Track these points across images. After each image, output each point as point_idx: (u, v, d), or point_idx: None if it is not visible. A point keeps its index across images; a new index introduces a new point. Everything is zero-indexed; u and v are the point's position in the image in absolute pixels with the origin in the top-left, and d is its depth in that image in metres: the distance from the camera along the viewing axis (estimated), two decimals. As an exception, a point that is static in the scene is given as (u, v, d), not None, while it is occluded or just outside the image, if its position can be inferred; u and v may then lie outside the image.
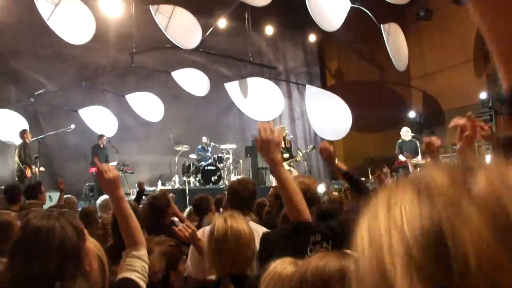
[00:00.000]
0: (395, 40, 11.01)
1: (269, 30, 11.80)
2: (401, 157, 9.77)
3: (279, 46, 12.62)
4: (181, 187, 9.90)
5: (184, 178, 9.84)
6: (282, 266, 1.25)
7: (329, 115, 10.72)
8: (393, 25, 10.73)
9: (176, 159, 10.20)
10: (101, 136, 9.91)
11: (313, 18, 9.75)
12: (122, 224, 1.76)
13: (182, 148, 10.20)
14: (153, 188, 9.45)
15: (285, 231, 2.08)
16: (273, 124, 1.87)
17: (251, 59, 11.23)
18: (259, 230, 2.50)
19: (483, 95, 11.19)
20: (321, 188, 11.07)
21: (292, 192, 1.83)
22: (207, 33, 10.29)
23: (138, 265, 1.71)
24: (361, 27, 11.14)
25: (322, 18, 9.93)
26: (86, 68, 10.45)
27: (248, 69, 11.68)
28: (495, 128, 10.79)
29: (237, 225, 1.80)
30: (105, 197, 4.78)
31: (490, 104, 11.20)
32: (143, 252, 1.79)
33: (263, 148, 1.81)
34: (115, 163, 9.73)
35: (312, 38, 12.43)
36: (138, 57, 10.47)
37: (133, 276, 1.68)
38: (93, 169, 9.18)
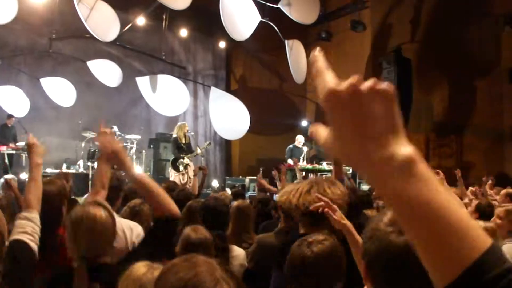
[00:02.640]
0: (296, 55, 16.92)
1: (183, 32, 17.21)
2: (290, 161, 16.10)
3: (190, 48, 18.38)
4: (84, 171, 14.74)
5: (89, 163, 14.11)
6: (137, 268, 1.88)
7: (229, 116, 16.14)
8: (296, 41, 16.62)
9: (83, 145, 14.66)
10: (9, 116, 13.97)
11: (225, 27, 14.90)
12: (27, 187, 2.73)
13: (90, 134, 14.51)
14: (57, 171, 14.16)
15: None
16: (111, 131, 2.76)
17: (164, 57, 16.54)
18: (133, 227, 3.57)
19: None
20: (215, 183, 17.28)
21: (151, 189, 2.54)
22: (125, 28, 14.89)
23: (29, 227, 2.45)
24: (267, 39, 16.74)
25: (233, 28, 15.15)
26: (4, 47, 14.54)
27: (160, 66, 16.90)
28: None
29: (94, 211, 2.41)
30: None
31: None
32: (34, 215, 2.60)
33: (113, 160, 2.58)
34: (23, 143, 13.50)
35: (222, 44, 18.29)
36: (57, 43, 14.85)
37: (24, 237, 2.40)
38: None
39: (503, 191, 7.89)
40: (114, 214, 3.45)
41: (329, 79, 0.80)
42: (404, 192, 0.71)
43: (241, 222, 4.85)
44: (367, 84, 0.79)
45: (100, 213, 2.41)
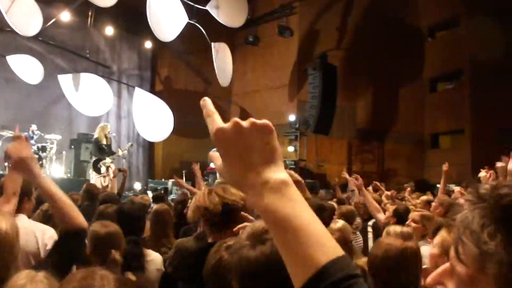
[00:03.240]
0: (222, 59, 17.31)
1: (109, 30, 17.82)
2: (212, 165, 17.60)
3: (116, 47, 19.04)
4: (1, 172, 14.31)
5: (6, 164, 14.17)
6: (16, 278, 1.90)
7: (153, 118, 16.86)
8: (223, 44, 17.36)
9: (0, 144, 14.70)
10: None
11: (151, 27, 15.42)
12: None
13: (7, 133, 14.67)
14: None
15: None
16: (25, 136, 2.70)
17: (88, 55, 17.14)
18: (45, 230, 3.72)
19: (292, 117, 18.76)
20: (137, 186, 18.39)
21: (56, 200, 2.55)
22: (48, 23, 15.23)
23: None
24: (194, 41, 17.49)
25: (160, 28, 15.77)
26: None
27: (83, 65, 17.42)
28: (299, 146, 19.74)
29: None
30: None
31: (297, 126, 19.12)
32: None
33: (20, 167, 2.55)
34: None
35: (148, 44, 19.13)
36: (-26, 36, 15.07)
37: None
38: None
39: (423, 198, 8.59)
40: (25, 217, 3.69)
41: (217, 120, 0.99)
42: (275, 208, 0.93)
43: (159, 226, 4.98)
44: (248, 121, 0.98)
45: (6, 226, 2.33)
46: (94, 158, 14.03)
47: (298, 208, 0.95)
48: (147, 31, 16.39)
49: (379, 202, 7.44)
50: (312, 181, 17.33)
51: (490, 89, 20.66)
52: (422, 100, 22.78)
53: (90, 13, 16.83)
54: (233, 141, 0.98)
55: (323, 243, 0.93)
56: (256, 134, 0.98)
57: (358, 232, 6.69)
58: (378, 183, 10.38)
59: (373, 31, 20.76)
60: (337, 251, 0.93)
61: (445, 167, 8.29)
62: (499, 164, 5.09)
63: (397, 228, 4.08)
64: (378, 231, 6.08)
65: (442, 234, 3.07)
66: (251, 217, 2.77)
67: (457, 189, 8.35)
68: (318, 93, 18.47)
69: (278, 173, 0.98)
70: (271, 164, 0.98)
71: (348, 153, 21.58)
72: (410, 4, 22.19)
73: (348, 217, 5.93)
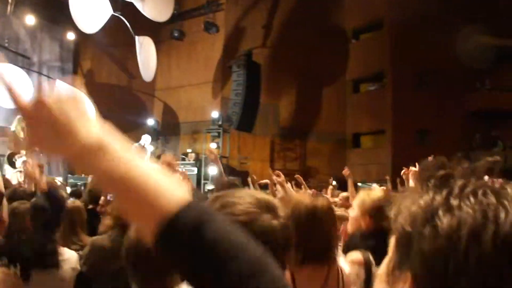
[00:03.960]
0: (146, 52, 18.21)
1: (30, 19, 18.04)
2: None
3: (37, 37, 19.29)
4: None
5: None
6: None
7: None
8: (148, 38, 18.21)
9: None
10: None
11: (73, 18, 16.10)
12: None
13: None
14: None
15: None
16: None
17: (7, 44, 17.47)
18: None
19: (215, 114, 19.61)
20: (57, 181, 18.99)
21: None
22: None
23: None
24: (118, 34, 18.18)
25: (83, 19, 16.36)
26: None
27: (2, 54, 17.41)
28: (222, 143, 20.90)
29: None
30: None
31: (220, 123, 19.72)
32: None
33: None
34: None
35: (71, 36, 19.61)
36: None
37: None
38: None
39: (343, 194, 8.82)
40: None
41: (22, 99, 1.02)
42: (104, 168, 0.95)
43: (70, 223, 4.94)
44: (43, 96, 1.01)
45: None
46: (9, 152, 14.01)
47: (130, 162, 0.97)
48: (69, 22, 16.81)
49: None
50: (235, 178, 18.47)
51: (410, 91, 22.51)
52: (345, 100, 24.43)
53: (10, 1, 17.08)
54: (39, 116, 0.99)
55: (171, 191, 0.96)
56: (69, 104, 1.03)
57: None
58: (300, 177, 10.79)
59: (298, 30, 21.99)
60: (184, 197, 0.96)
61: (344, 172, 8.42)
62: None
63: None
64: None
65: (360, 196, 3.52)
66: None
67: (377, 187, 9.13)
68: (242, 91, 19.36)
69: (93, 134, 1.00)
70: (82, 124, 1.00)
71: (271, 150, 22.76)
72: (336, 5, 23.65)
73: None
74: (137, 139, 16.61)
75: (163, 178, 0.99)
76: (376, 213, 3.32)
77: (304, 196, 2.86)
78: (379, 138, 23.84)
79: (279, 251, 1.33)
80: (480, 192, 0.85)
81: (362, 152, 24.24)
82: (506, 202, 0.83)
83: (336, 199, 9.03)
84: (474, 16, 22.50)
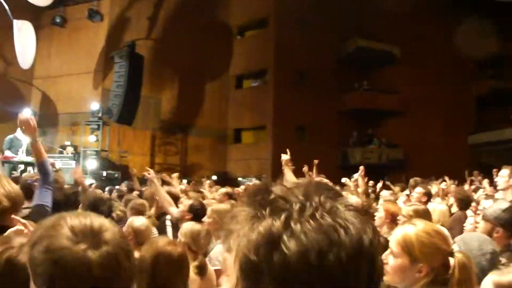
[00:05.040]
0: (25, 38, 17.65)
1: None
2: (8, 153, 17.65)
3: None
4: None
5: None
6: None
7: None
8: (27, 23, 17.69)
9: None
10: None
11: None
12: None
13: None
14: None
15: None
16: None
17: None
18: None
19: (95, 106, 19.77)
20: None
21: None
22: None
23: None
24: None
25: None
26: None
27: None
28: (101, 136, 21.27)
29: None
30: None
31: (100, 115, 19.84)
32: None
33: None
34: None
35: None
36: None
37: None
38: None
39: (222, 190, 9.23)
40: None
41: None
42: None
43: None
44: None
45: None
46: None
47: None
48: None
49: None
50: (114, 172, 19.01)
51: (291, 89, 23.99)
52: (227, 95, 25.55)
53: None
54: None
55: None
56: None
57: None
58: (166, 176, 10.55)
59: (184, 24, 22.73)
60: None
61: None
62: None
63: (194, 225, 4.34)
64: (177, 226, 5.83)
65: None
66: (23, 220, 2.64)
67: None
68: (124, 82, 19.71)
69: None
70: None
71: (152, 144, 23.39)
72: (222, 1, 24.61)
73: (140, 211, 6.21)
74: (12, 130, 15.89)
75: None
76: None
77: (162, 244, 2.91)
78: (260, 133, 25.13)
79: (101, 284, 1.31)
80: (318, 215, 0.89)
81: (243, 147, 25.46)
82: (340, 221, 0.89)
83: (216, 195, 9.76)
84: (354, 20, 24.27)
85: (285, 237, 0.87)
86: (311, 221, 0.89)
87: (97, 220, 1.45)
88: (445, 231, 2.52)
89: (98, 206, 5.13)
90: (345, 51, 26.41)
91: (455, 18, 25.30)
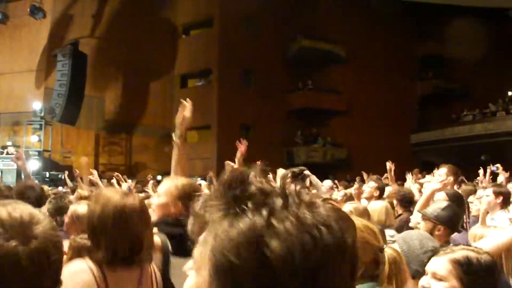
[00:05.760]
0: None
1: None
2: None
3: None
4: None
5: None
6: None
7: None
8: None
9: None
10: None
11: None
12: None
13: None
14: None
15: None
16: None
17: None
18: None
19: (37, 105, 19.92)
20: None
21: None
22: None
23: None
24: None
25: None
26: None
27: None
28: (43, 136, 21.30)
29: None
30: None
31: (42, 114, 19.96)
32: None
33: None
34: None
35: None
36: None
37: None
38: None
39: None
40: None
41: None
42: None
43: None
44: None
45: None
46: None
47: None
48: None
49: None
50: (58, 173, 19.07)
51: (236, 88, 24.50)
52: (172, 95, 25.85)
53: None
54: None
55: None
56: None
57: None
58: (119, 175, 10.52)
59: (129, 22, 22.93)
60: None
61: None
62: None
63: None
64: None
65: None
66: None
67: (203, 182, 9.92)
68: (67, 81, 19.78)
69: None
70: None
71: (96, 144, 23.52)
72: (168, 0, 24.92)
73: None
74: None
75: None
76: (186, 199, 3.34)
77: (114, 194, 2.69)
78: (205, 133, 25.52)
79: (30, 279, 1.31)
80: (300, 212, 0.85)
81: (188, 147, 25.54)
82: (323, 218, 0.85)
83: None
84: (300, 20, 24.95)
85: (266, 237, 0.83)
86: (294, 219, 0.85)
87: (26, 212, 1.43)
88: (376, 228, 2.56)
89: (25, 193, 4.92)
90: (291, 51, 27.05)
91: (401, 19, 26.27)
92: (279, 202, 0.87)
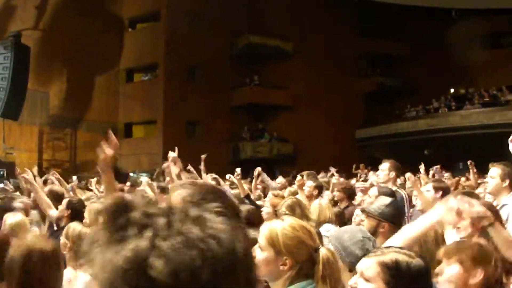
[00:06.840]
0: None
1: None
2: None
3: None
4: None
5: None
6: None
7: None
8: None
9: None
10: None
11: None
12: None
13: None
14: None
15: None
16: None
17: None
18: None
19: None
20: None
21: None
22: None
23: None
24: None
25: None
26: None
27: None
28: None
29: None
30: None
31: None
32: None
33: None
34: None
35: None
36: None
37: None
38: None
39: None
40: None
41: None
42: None
43: None
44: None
45: None
46: None
47: None
48: None
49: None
50: (-1, 170, 18.74)
51: (182, 83, 24.71)
52: (117, 89, 25.87)
53: None
54: None
55: None
56: None
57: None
58: (56, 173, 9.96)
59: (73, 15, 22.77)
60: None
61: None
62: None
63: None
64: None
65: None
66: None
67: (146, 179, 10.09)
68: (8, 75, 19.44)
69: None
70: None
71: (39, 140, 23.31)
72: (114, -8, 24.87)
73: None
74: None
75: None
76: None
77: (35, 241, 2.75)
78: (151, 128, 25.67)
79: None
80: (184, 228, 0.84)
81: (134, 142, 25.87)
82: (211, 231, 0.85)
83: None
84: (247, 15, 25.34)
85: (152, 258, 0.81)
86: (177, 236, 0.84)
87: None
88: (312, 228, 2.60)
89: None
90: (238, 46, 27.41)
91: (349, 16, 26.93)
92: (162, 221, 0.86)
